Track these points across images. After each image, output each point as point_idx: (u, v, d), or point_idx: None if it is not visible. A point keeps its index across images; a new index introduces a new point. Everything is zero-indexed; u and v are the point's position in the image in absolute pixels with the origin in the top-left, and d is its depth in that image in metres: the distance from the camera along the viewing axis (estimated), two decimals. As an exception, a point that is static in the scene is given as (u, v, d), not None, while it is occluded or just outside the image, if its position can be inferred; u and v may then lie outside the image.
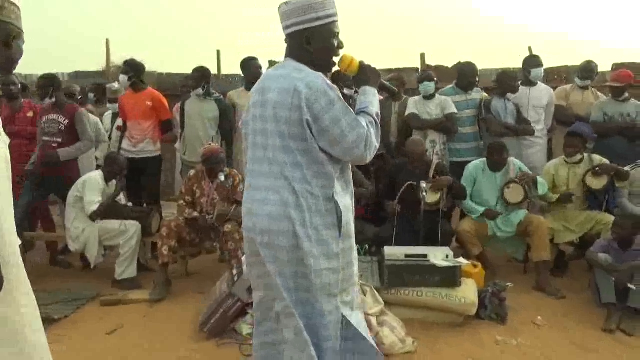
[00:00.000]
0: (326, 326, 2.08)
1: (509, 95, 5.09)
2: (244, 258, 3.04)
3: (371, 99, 2.18)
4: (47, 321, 3.64)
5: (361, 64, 2.23)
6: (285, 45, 2.22)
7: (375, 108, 2.17)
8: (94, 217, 4.41)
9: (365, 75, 2.23)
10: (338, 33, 2.18)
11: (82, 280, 4.61)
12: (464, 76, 5.24)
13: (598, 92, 5.40)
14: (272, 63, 6.38)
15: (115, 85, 5.82)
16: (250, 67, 5.39)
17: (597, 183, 4.44)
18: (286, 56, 2.21)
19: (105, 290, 4.30)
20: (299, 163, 2.04)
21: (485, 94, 5.27)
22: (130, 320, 3.74)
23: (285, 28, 2.16)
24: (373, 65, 2.26)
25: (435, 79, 5.19)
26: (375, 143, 2.12)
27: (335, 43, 2.17)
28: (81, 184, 4.49)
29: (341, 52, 2.21)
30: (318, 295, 2.06)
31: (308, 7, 2.08)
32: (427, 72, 5.32)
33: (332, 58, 2.19)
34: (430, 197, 4.27)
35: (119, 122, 5.49)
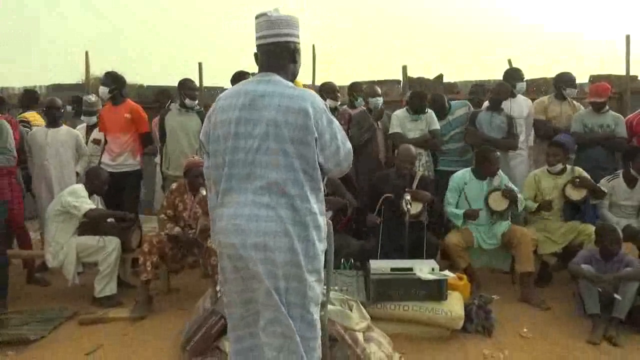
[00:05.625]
0: (315, 338, 2.09)
1: (507, 106, 5.15)
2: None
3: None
4: (22, 342, 3.54)
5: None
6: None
7: None
8: (90, 214, 4.29)
9: None
10: None
11: (60, 298, 4.48)
12: (436, 105, 5.30)
13: (575, 103, 5.46)
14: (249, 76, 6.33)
15: (92, 97, 5.72)
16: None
17: (576, 194, 4.50)
18: (265, 68, 2.12)
19: (84, 308, 4.18)
20: (299, 180, 2.03)
21: (469, 104, 5.38)
22: (110, 339, 3.63)
23: (275, 36, 2.08)
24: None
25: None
26: None
27: None
28: (65, 195, 4.36)
29: None
30: (310, 307, 2.06)
31: (297, 23, 2.11)
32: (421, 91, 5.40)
33: None
34: (414, 208, 4.27)
35: (94, 134, 5.38)
